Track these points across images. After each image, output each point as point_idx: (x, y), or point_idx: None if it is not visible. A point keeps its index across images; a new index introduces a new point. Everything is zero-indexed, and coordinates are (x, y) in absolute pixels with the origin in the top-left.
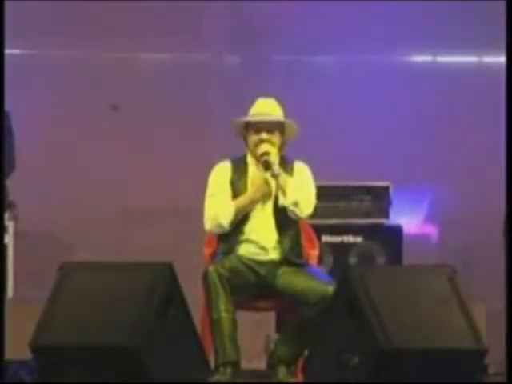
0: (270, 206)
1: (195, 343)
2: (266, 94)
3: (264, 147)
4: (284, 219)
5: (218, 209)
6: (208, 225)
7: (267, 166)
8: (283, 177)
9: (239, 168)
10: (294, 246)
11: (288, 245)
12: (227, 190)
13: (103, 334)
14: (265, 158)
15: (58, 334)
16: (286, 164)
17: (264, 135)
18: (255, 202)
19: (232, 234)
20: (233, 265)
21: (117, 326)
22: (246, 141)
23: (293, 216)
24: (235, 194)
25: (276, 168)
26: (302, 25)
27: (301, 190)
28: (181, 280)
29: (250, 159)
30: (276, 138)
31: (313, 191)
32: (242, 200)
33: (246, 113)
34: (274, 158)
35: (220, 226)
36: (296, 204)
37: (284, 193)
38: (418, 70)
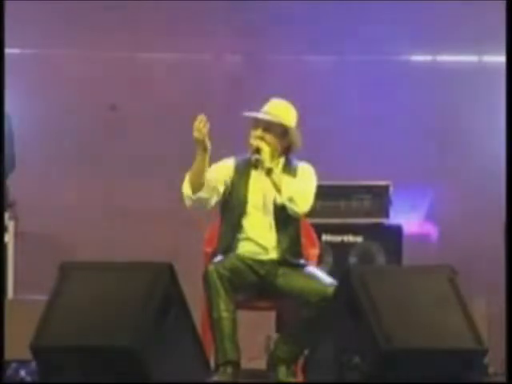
0: (270, 205)
1: (195, 343)
2: (266, 94)
3: (256, 143)
4: (284, 219)
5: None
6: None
7: (257, 163)
8: (277, 174)
9: (242, 168)
10: (293, 246)
11: (286, 245)
12: (210, 175)
13: (103, 334)
14: (256, 156)
15: (58, 334)
16: (291, 166)
17: (259, 132)
18: (200, 161)
19: (232, 232)
20: (233, 264)
21: (117, 326)
22: None
23: (291, 213)
24: (236, 193)
25: (266, 164)
26: (301, 25)
27: (297, 186)
28: (181, 280)
29: None
30: (271, 137)
31: (310, 188)
32: (192, 166)
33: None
34: (266, 156)
35: (187, 197)
36: (291, 200)
37: (279, 190)
38: (418, 69)
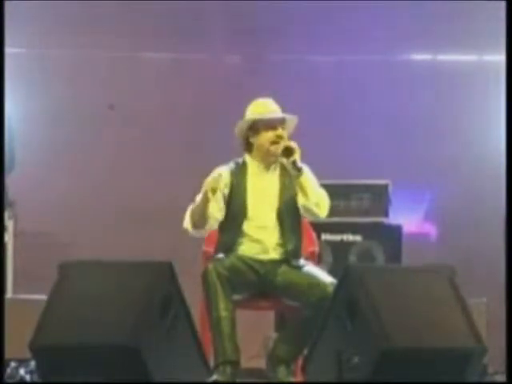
0: (274, 205)
1: (195, 343)
2: (266, 94)
3: (285, 143)
4: (288, 220)
5: (186, 215)
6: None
7: (294, 164)
8: (304, 175)
9: (237, 171)
10: (297, 247)
11: (291, 247)
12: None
13: (103, 333)
14: (292, 158)
15: (57, 333)
16: None
17: (281, 131)
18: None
19: (232, 232)
20: (232, 264)
21: (117, 325)
22: (249, 142)
23: (312, 216)
24: (236, 195)
25: (300, 165)
26: (301, 25)
27: (318, 191)
28: (181, 280)
29: (249, 162)
30: (286, 134)
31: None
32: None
33: (245, 113)
34: (298, 156)
35: (188, 231)
36: (318, 204)
37: (305, 193)
38: (418, 68)
